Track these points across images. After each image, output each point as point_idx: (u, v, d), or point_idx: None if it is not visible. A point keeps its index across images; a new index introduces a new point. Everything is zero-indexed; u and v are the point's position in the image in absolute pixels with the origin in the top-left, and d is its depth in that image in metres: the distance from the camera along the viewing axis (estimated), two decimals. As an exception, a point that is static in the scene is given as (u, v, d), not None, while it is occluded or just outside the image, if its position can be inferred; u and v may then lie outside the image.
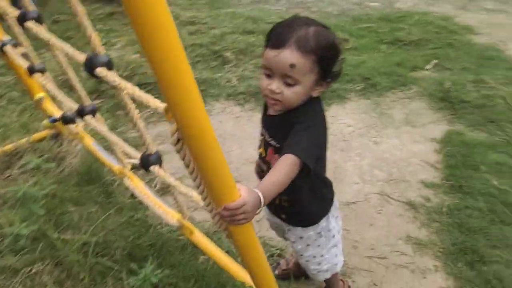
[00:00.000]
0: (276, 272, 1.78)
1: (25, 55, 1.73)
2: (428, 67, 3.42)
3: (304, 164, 1.04)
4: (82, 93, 1.54)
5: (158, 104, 0.90)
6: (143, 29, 0.64)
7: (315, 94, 1.13)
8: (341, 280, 1.68)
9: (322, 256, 1.43)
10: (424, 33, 3.91)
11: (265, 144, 1.26)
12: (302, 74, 1.06)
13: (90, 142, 2.02)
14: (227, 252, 1.67)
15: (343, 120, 2.80)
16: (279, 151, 1.13)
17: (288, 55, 1.04)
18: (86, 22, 1.03)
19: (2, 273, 1.58)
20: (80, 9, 1.01)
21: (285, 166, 1.03)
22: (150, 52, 0.68)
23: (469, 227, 2.00)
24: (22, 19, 1.33)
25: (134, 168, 1.78)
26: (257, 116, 2.74)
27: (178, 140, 0.87)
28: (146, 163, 1.34)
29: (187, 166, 0.93)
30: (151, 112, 2.77)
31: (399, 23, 4.12)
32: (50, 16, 3.99)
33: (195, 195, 1.33)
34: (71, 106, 1.76)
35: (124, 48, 3.49)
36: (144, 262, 1.58)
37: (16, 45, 1.77)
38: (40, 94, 2.12)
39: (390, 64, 3.39)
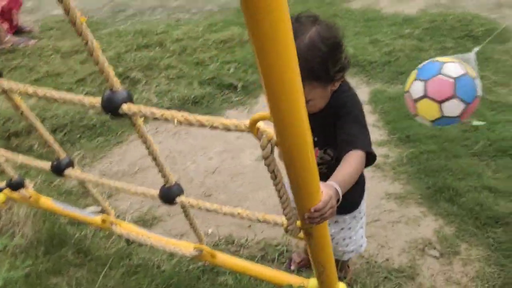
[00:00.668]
0: (292, 267, 1.77)
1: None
2: (325, 39, 3.61)
3: (369, 153, 1.07)
4: (56, 146, 1.35)
5: (236, 122, 0.83)
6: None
7: (334, 88, 1.13)
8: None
9: (350, 238, 1.46)
10: (308, 9, 4.11)
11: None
12: (313, 94, 1.07)
13: (49, 202, 1.78)
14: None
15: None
16: (318, 145, 1.15)
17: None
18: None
19: None
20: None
21: (355, 160, 1.05)
22: (267, 70, 0.64)
23: (433, 169, 2.19)
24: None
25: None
26: (194, 128, 2.68)
27: (270, 152, 0.82)
28: (169, 196, 1.23)
29: (275, 178, 0.88)
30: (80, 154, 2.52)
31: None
32: None
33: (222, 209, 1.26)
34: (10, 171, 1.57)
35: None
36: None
37: None
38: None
39: (293, 45, 3.51)
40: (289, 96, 0.71)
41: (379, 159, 2.28)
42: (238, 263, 1.52)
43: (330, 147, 1.21)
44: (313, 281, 1.40)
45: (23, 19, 4.38)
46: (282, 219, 1.10)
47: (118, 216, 1.97)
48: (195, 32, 3.77)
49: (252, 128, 0.81)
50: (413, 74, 1.52)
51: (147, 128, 2.61)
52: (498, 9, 4.08)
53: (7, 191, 1.76)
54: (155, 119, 0.94)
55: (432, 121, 1.47)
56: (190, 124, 0.89)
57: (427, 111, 1.44)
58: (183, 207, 1.32)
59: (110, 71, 0.94)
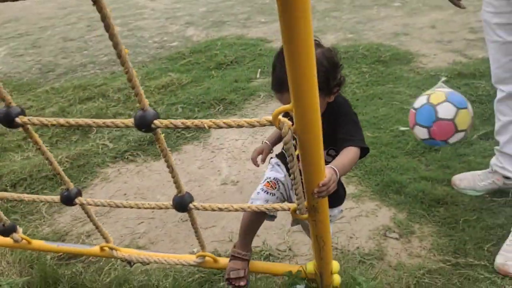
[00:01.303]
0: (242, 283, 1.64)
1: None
2: (258, 75, 3.97)
3: (363, 148, 1.34)
4: (65, 178, 1.47)
5: (258, 119, 1.06)
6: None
7: (330, 100, 1.40)
8: None
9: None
10: (235, 52, 4.49)
11: None
12: None
13: (41, 243, 1.84)
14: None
15: (230, 137, 3.09)
16: None
17: (289, 97, 1.19)
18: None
19: None
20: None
21: (351, 153, 1.31)
22: (294, 71, 0.91)
23: (377, 169, 2.54)
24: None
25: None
26: (156, 164, 2.83)
27: (290, 138, 1.05)
28: (182, 204, 1.40)
29: (292, 160, 1.11)
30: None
31: (210, 51, 4.61)
32: None
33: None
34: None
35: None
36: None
37: None
38: None
39: (230, 82, 3.82)
40: (309, 91, 0.97)
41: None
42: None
43: (332, 148, 1.46)
44: (310, 265, 1.62)
45: None
46: (288, 205, 1.33)
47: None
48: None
49: (275, 120, 1.05)
50: (411, 114, 1.99)
51: (110, 171, 2.73)
52: (396, 37, 4.74)
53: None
54: (187, 127, 1.14)
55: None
56: (219, 127, 1.11)
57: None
58: (190, 215, 1.50)
59: (143, 93, 1.14)
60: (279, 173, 1.59)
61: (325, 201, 1.27)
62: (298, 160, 1.13)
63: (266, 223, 2.22)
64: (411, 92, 3.40)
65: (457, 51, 4.14)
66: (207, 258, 1.65)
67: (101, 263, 2.04)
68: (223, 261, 1.70)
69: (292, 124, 1.04)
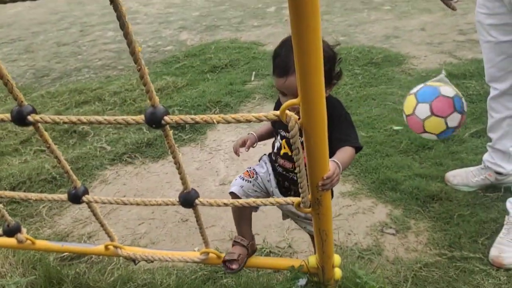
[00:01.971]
0: (234, 266, 1.67)
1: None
2: (252, 78, 4.02)
3: (357, 147, 1.40)
4: (73, 176, 1.50)
5: (266, 113, 1.10)
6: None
7: (326, 94, 1.44)
8: None
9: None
10: (229, 56, 4.53)
11: (288, 144, 1.50)
12: None
13: (45, 242, 1.86)
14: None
15: (226, 139, 3.13)
16: None
17: (294, 81, 1.19)
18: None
19: None
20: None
21: (349, 152, 1.37)
22: (302, 68, 0.95)
23: (372, 167, 2.59)
24: None
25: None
26: (154, 166, 2.86)
27: (297, 131, 1.10)
28: (188, 200, 1.44)
29: (298, 153, 1.15)
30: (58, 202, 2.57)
31: (204, 55, 4.65)
32: None
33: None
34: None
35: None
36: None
37: None
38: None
39: (225, 85, 3.86)
40: (316, 86, 1.01)
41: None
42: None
43: None
44: (312, 259, 1.66)
45: None
46: (291, 199, 1.37)
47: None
48: (129, 84, 3.98)
49: (282, 114, 1.09)
50: (411, 99, 1.94)
51: (108, 173, 2.75)
52: (387, 40, 4.82)
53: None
54: (197, 122, 1.18)
55: (438, 134, 1.89)
56: (227, 122, 1.15)
57: (435, 127, 1.86)
58: (195, 211, 1.53)
59: (153, 90, 1.18)
60: (262, 168, 1.65)
61: (328, 195, 1.32)
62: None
63: (265, 221, 2.28)
64: (403, 92, 3.46)
65: (447, 53, 4.22)
66: (210, 254, 1.68)
67: (103, 263, 2.06)
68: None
69: (299, 118, 1.09)
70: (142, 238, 2.28)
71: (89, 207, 1.61)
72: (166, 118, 1.18)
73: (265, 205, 1.45)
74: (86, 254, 2.02)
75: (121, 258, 2.13)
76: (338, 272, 1.66)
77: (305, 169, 1.21)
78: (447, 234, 2.08)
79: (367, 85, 3.68)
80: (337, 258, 1.64)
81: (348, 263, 1.96)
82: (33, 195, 1.61)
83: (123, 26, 0.96)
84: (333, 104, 1.46)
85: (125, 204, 1.54)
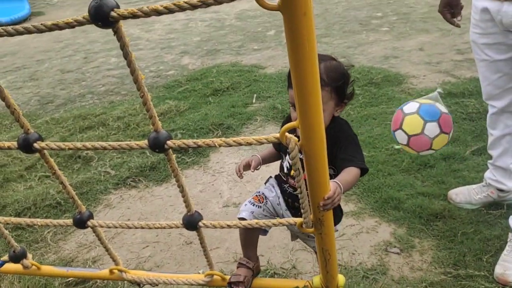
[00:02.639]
0: None
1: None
2: (254, 100, 4.06)
3: (363, 168, 1.40)
4: (78, 201, 1.52)
5: (266, 136, 1.13)
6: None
7: (336, 114, 1.47)
8: None
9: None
10: (231, 79, 4.59)
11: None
12: (323, 104, 1.41)
13: (51, 268, 1.87)
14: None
15: (229, 161, 3.15)
16: None
17: None
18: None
19: None
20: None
21: (353, 172, 1.37)
22: (300, 93, 0.98)
23: (375, 187, 2.60)
24: None
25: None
26: (157, 189, 2.88)
27: (297, 153, 1.12)
28: (192, 222, 1.45)
29: (298, 174, 1.17)
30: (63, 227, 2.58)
31: (205, 79, 4.71)
32: None
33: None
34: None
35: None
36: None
37: None
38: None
39: (227, 107, 3.91)
40: (314, 109, 1.04)
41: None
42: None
43: (331, 167, 1.53)
44: (316, 279, 1.66)
45: None
46: (294, 220, 1.39)
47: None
48: (133, 109, 4.03)
49: (282, 136, 1.12)
50: (416, 118, 1.95)
51: (112, 197, 2.77)
52: (386, 60, 4.88)
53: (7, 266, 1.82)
54: (199, 146, 1.21)
55: (437, 149, 1.92)
56: (229, 145, 1.17)
57: (441, 143, 1.89)
58: (199, 234, 1.55)
59: (156, 116, 1.21)
60: (271, 192, 1.66)
61: (330, 214, 1.33)
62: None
63: (269, 243, 2.28)
64: (403, 112, 3.50)
65: (446, 72, 4.27)
66: (215, 276, 1.68)
67: (109, 287, 2.07)
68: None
69: (298, 140, 1.11)
70: (146, 261, 2.29)
71: (94, 231, 1.62)
72: (169, 142, 1.20)
73: (268, 226, 1.46)
74: (91, 279, 2.02)
75: (126, 282, 2.13)
76: (343, 293, 1.65)
77: (306, 190, 1.24)
78: (452, 252, 2.08)
79: (368, 105, 3.72)
80: (341, 278, 1.64)
81: (353, 283, 1.96)
82: (39, 221, 1.63)
83: (126, 55, 1.00)
84: (340, 125, 1.48)
85: (130, 227, 1.56)
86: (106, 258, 2.32)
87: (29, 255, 1.86)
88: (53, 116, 4.27)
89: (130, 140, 3.49)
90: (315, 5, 6.65)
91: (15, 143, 1.30)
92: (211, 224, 1.49)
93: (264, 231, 1.74)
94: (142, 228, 1.56)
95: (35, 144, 1.28)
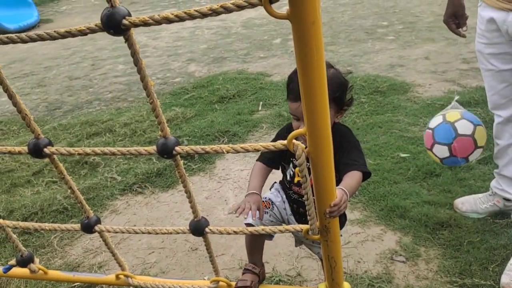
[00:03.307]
0: None
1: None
2: (260, 108, 4.08)
3: (365, 173, 1.41)
4: (86, 206, 1.53)
5: (274, 143, 1.14)
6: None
7: (337, 120, 1.49)
8: None
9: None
10: (237, 86, 4.62)
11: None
12: None
13: (57, 272, 1.88)
14: None
15: (235, 168, 3.16)
16: None
17: None
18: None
19: None
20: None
21: (356, 177, 1.38)
22: (308, 99, 0.98)
23: (380, 195, 2.60)
24: None
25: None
26: (163, 195, 2.90)
27: (304, 160, 1.13)
28: (198, 228, 1.46)
29: (305, 181, 1.18)
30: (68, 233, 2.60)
31: (212, 86, 4.73)
32: None
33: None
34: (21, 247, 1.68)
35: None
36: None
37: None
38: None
39: (233, 115, 3.93)
40: (321, 116, 1.05)
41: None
42: None
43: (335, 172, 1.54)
44: (321, 287, 1.66)
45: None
46: (300, 227, 1.39)
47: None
48: (139, 116, 4.06)
49: (289, 143, 1.13)
50: (481, 130, 2.05)
51: (119, 203, 2.79)
52: (392, 69, 4.89)
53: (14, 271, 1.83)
54: (207, 152, 1.22)
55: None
56: (236, 151, 1.18)
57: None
58: (205, 240, 1.55)
59: (165, 122, 1.22)
60: (277, 198, 1.67)
61: (336, 221, 1.34)
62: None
63: (274, 250, 2.29)
64: (409, 120, 3.51)
65: (451, 81, 4.27)
66: (221, 283, 1.69)
67: (114, 293, 2.07)
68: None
69: (306, 147, 1.13)
70: (152, 267, 2.29)
71: (101, 236, 1.64)
72: (177, 148, 1.22)
73: (274, 232, 1.47)
74: (97, 284, 2.03)
75: (131, 287, 2.14)
76: (348, 300, 1.65)
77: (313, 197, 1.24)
78: (458, 262, 2.07)
79: (373, 113, 3.72)
80: (347, 286, 1.64)
81: (358, 292, 1.96)
82: (47, 225, 1.64)
83: (136, 62, 1.02)
84: (342, 132, 1.50)
85: (136, 233, 1.57)
86: (112, 264, 2.33)
87: (36, 260, 1.87)
88: (60, 122, 4.31)
89: (137, 146, 3.52)
90: (321, 14, 6.71)
91: (25, 148, 1.32)
92: (217, 230, 1.50)
93: (270, 235, 1.75)
94: (149, 233, 1.57)
95: (45, 149, 1.30)
